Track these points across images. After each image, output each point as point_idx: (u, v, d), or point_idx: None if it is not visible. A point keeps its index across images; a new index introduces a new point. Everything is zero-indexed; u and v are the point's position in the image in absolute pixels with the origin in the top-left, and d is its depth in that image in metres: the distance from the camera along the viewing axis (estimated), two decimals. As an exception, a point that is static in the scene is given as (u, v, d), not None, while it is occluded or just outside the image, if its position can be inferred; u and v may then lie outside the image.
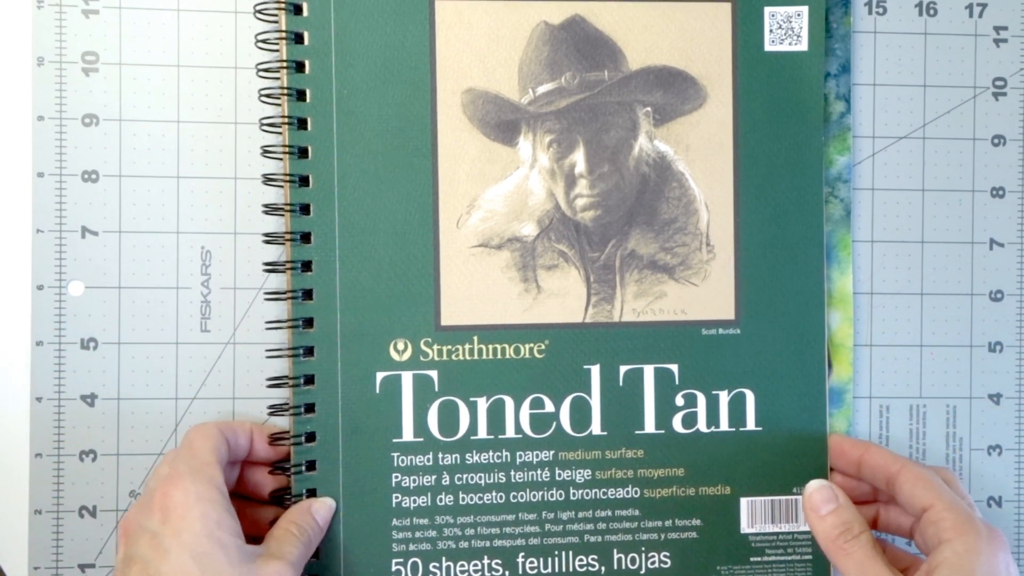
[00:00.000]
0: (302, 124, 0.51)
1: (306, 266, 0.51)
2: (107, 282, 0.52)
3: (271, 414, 0.52)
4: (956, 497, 0.48)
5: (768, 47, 0.53)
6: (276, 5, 0.52)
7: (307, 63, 0.51)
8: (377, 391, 0.52)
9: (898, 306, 0.56)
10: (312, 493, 0.51)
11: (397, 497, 0.51)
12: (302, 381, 0.51)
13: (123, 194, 0.52)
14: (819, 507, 0.48)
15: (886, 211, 0.56)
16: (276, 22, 0.52)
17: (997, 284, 0.56)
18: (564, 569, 0.52)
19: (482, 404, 0.52)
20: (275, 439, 0.51)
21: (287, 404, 0.51)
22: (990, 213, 0.56)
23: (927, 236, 0.56)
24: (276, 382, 0.52)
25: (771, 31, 0.53)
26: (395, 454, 0.52)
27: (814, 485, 0.50)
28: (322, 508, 0.50)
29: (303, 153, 0.51)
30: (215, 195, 0.53)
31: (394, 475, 0.52)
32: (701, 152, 0.53)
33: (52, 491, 0.52)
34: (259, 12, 0.52)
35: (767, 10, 0.53)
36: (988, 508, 0.56)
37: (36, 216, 0.52)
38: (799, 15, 0.53)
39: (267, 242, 0.52)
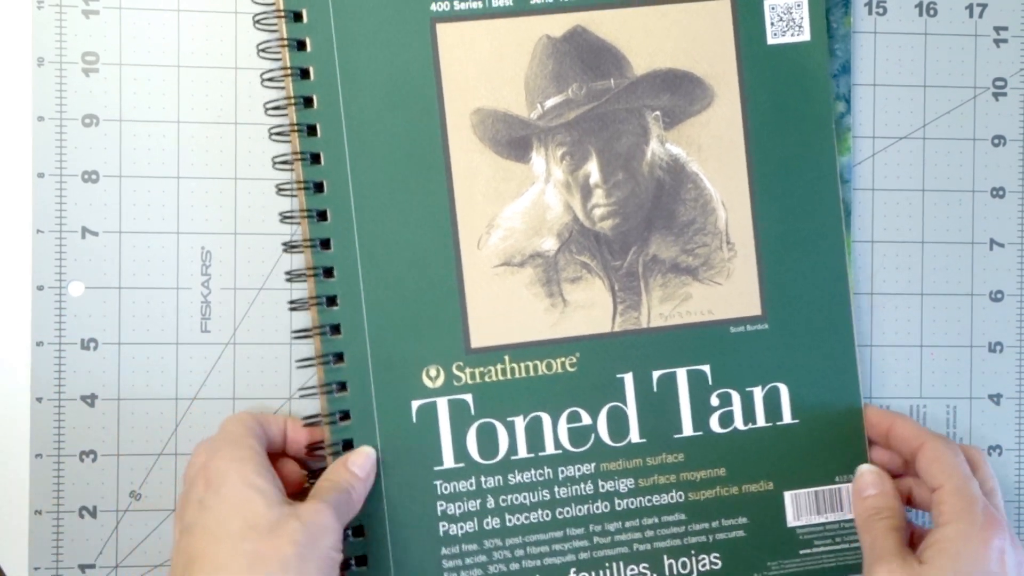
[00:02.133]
0: (315, 159, 0.51)
1: (331, 301, 0.51)
2: (107, 282, 0.52)
3: (309, 452, 0.51)
4: (965, 480, 0.48)
5: (771, 40, 0.53)
6: (278, 43, 0.51)
7: (315, 98, 0.51)
8: (414, 420, 0.51)
9: (898, 306, 0.56)
10: (359, 531, 0.50)
11: (444, 525, 0.51)
12: (338, 417, 0.51)
13: (123, 194, 0.52)
14: (862, 489, 0.51)
15: (886, 211, 0.56)
16: (279, 59, 0.51)
17: (997, 284, 0.56)
18: None
19: (519, 423, 0.52)
20: (313, 476, 0.50)
21: (323, 443, 0.51)
22: (990, 213, 0.56)
23: (927, 236, 0.56)
24: (312, 421, 0.51)
25: (772, 24, 0.53)
26: (438, 482, 0.51)
27: (864, 468, 0.52)
28: (359, 458, 0.49)
29: (319, 188, 0.51)
30: (215, 195, 0.53)
31: (439, 503, 0.51)
32: (713, 151, 0.53)
33: (52, 491, 0.52)
34: (262, 51, 0.52)
35: (767, 3, 0.53)
36: (988, 508, 0.56)
37: (36, 216, 0.52)
38: (799, 5, 0.53)
39: (289, 280, 0.52)
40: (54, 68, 0.52)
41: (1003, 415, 0.56)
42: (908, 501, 0.53)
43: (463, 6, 0.52)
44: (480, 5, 0.52)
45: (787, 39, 0.53)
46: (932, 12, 0.56)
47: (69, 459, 0.52)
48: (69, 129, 0.52)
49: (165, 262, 0.52)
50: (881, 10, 0.56)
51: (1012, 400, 0.56)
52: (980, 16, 0.56)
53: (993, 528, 0.47)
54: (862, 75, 0.55)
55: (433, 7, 0.51)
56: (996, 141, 0.56)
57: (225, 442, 0.47)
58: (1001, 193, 0.56)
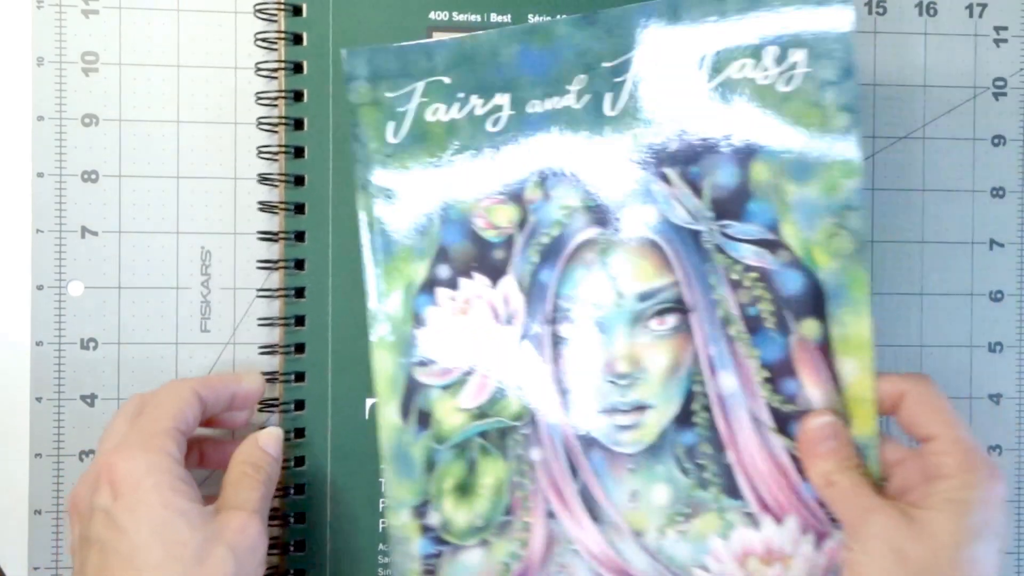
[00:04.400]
0: (299, 153, 0.51)
1: (299, 293, 0.51)
2: (107, 282, 0.52)
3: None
4: (962, 427, 0.45)
5: None
6: (275, 34, 0.51)
7: (305, 92, 0.51)
8: (366, 417, 0.51)
9: (898, 306, 0.56)
10: (300, 518, 0.50)
11: (384, 522, 0.51)
12: (292, 407, 0.51)
13: (123, 194, 0.52)
14: (817, 443, 0.46)
15: (886, 211, 0.56)
16: (276, 50, 0.52)
17: (997, 284, 0.56)
18: None
19: None
20: None
21: (277, 400, 0.51)
22: (990, 213, 0.56)
23: (927, 236, 0.56)
24: (267, 405, 0.51)
25: None
26: (383, 480, 0.51)
27: (815, 421, 0.46)
28: (270, 439, 0.49)
29: (299, 181, 0.51)
30: (215, 195, 0.53)
31: (382, 500, 0.51)
32: None
33: (52, 491, 0.52)
34: (259, 40, 0.52)
35: None
36: (988, 508, 0.56)
37: (36, 216, 0.52)
38: None
39: (261, 268, 0.52)
40: (54, 68, 0.52)
41: (1003, 415, 0.56)
42: None
43: (462, 18, 0.52)
44: (479, 19, 0.52)
45: None
46: (932, 12, 0.56)
47: (69, 459, 0.52)
48: (69, 129, 0.52)
49: (165, 262, 0.52)
50: (881, 10, 0.56)
51: (1012, 400, 0.56)
52: (980, 16, 0.56)
53: (996, 478, 0.44)
54: (862, 75, 0.55)
55: (432, 15, 0.52)
56: (996, 141, 0.56)
57: (139, 439, 0.44)
58: (1001, 193, 0.56)
